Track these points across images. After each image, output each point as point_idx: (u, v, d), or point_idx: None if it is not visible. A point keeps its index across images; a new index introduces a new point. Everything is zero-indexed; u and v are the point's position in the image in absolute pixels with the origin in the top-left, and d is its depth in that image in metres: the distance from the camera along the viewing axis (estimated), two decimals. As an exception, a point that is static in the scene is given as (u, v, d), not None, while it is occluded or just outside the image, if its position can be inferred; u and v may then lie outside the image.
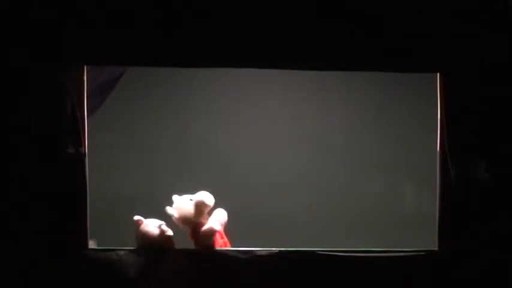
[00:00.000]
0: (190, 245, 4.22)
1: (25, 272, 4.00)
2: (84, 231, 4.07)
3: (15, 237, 4.01)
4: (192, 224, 4.19)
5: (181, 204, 4.20)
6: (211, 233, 4.14)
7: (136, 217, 4.17)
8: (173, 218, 4.19)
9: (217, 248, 4.17)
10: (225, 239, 4.25)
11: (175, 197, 4.23)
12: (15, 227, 4.01)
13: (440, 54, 4.18)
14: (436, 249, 4.19)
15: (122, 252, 4.09)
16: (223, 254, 4.14)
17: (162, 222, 4.16)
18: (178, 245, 4.21)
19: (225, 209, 4.28)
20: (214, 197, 4.25)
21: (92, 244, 4.15)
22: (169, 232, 4.16)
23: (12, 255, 4.00)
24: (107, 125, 5.28)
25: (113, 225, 4.32)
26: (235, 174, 5.56)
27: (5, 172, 4.02)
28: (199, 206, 4.19)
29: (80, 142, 4.06)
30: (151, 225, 4.16)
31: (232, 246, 4.24)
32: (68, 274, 4.02)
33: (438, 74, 4.23)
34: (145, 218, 4.22)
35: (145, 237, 4.13)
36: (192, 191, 4.25)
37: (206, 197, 4.20)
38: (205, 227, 4.15)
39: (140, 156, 5.71)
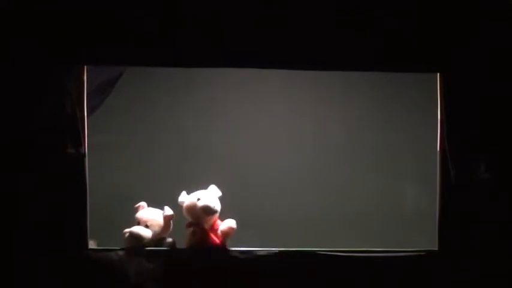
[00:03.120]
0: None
1: (25, 272, 4.00)
2: (84, 231, 4.08)
3: (15, 237, 4.01)
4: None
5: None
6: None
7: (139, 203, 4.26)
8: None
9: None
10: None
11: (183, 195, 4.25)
12: (15, 227, 4.01)
13: (440, 54, 4.18)
14: (436, 249, 4.20)
15: (121, 252, 4.10)
16: (224, 254, 4.14)
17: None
18: (179, 244, 4.21)
19: (225, 209, 4.27)
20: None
21: (92, 244, 4.15)
22: (169, 212, 4.21)
23: (12, 255, 4.00)
24: (107, 125, 5.28)
25: (113, 225, 4.32)
26: (234, 174, 5.55)
27: (5, 172, 4.01)
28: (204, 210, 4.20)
29: (80, 142, 4.06)
30: (151, 210, 4.25)
31: (232, 247, 4.24)
32: (68, 274, 4.02)
33: (438, 74, 4.23)
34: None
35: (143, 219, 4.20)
36: (192, 190, 4.25)
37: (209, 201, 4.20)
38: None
39: (140, 156, 5.71)
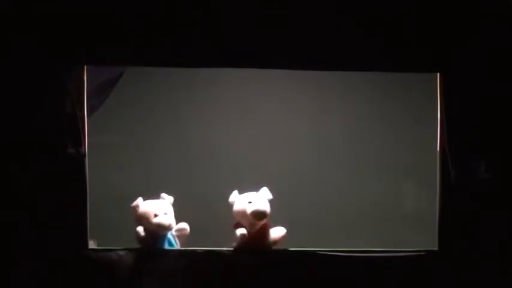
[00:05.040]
0: (190, 244, 4.22)
1: (25, 272, 4.00)
2: (84, 231, 4.08)
3: (15, 237, 4.01)
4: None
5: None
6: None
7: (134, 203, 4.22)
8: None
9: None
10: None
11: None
12: (15, 227, 4.01)
13: (440, 54, 4.18)
14: (436, 249, 4.20)
15: (121, 252, 4.10)
16: (223, 254, 4.14)
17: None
18: (181, 244, 4.22)
19: (225, 209, 4.27)
20: (214, 197, 4.24)
21: (92, 244, 4.16)
22: (171, 198, 4.22)
23: (12, 255, 4.00)
24: (107, 125, 5.28)
25: (113, 225, 4.32)
26: (234, 174, 5.55)
27: (5, 172, 4.02)
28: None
29: (80, 142, 4.06)
30: (153, 201, 4.24)
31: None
32: (68, 274, 4.02)
33: (438, 74, 4.23)
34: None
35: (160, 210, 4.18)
36: (192, 190, 4.24)
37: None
38: None
39: (140, 156, 5.70)
